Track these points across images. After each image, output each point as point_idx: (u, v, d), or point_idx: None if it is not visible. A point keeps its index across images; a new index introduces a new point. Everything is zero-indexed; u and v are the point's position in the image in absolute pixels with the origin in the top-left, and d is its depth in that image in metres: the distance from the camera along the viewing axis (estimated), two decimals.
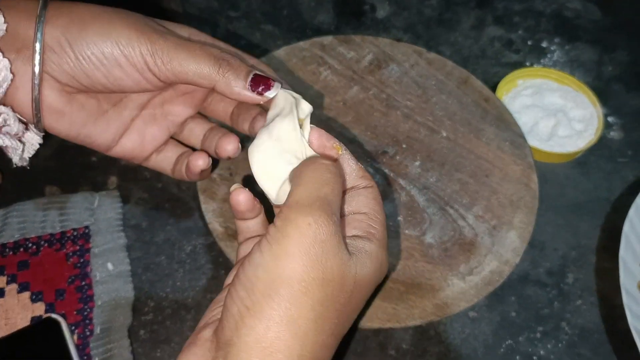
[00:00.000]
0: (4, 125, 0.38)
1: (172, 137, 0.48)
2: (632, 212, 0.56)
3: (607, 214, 0.61)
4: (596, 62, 0.74)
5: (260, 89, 0.37)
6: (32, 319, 0.50)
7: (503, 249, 0.54)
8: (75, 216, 0.56)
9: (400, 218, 0.55)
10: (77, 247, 0.54)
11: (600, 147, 0.66)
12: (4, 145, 0.39)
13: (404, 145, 0.59)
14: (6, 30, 0.36)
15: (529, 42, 0.75)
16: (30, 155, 0.42)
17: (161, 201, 0.58)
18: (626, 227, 0.55)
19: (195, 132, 0.47)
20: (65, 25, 0.36)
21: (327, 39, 0.67)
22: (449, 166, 0.58)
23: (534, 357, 0.52)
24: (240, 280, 0.31)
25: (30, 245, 0.53)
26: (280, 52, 0.65)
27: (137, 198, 0.58)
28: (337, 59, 0.66)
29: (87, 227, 0.55)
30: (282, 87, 0.39)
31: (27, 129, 0.40)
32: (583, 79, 0.71)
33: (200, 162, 0.43)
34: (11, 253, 0.53)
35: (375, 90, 0.63)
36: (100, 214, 0.56)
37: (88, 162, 0.60)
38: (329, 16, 0.76)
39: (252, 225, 0.41)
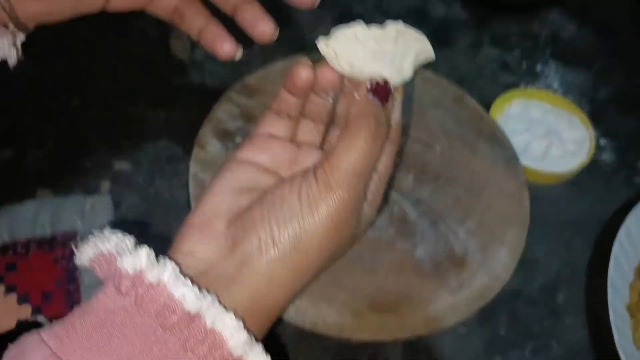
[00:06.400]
0: None
1: None
2: (621, 233, 0.56)
3: (600, 233, 0.61)
4: (591, 85, 0.74)
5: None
6: (18, 321, 0.49)
7: (494, 265, 0.54)
8: (66, 219, 0.55)
9: (392, 231, 0.55)
10: (67, 251, 0.53)
11: (594, 168, 0.66)
12: None
13: (397, 159, 0.60)
14: None
15: (524, 64, 0.75)
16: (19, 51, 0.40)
17: (154, 207, 0.58)
18: (615, 248, 0.55)
19: None
20: None
21: None
22: (442, 180, 0.59)
23: None
24: (273, 208, 0.34)
25: (19, 247, 0.53)
26: (278, 65, 0.66)
27: (130, 203, 0.58)
28: None
29: (77, 231, 0.55)
30: None
31: (15, 36, 0.40)
32: (577, 101, 0.71)
33: (228, 46, 0.41)
34: (0, 254, 0.52)
35: None
36: (91, 218, 0.56)
37: (81, 166, 0.60)
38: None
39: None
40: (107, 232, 0.34)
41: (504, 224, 0.56)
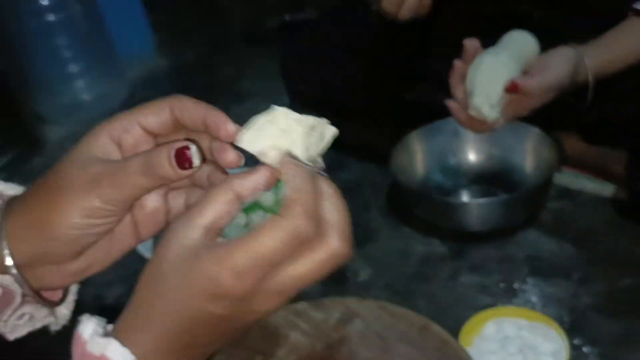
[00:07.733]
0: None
1: None
2: None
3: None
4: (571, 295, 0.75)
5: (186, 165, 0.34)
6: None
7: None
8: None
9: None
10: None
11: None
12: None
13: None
14: None
15: (502, 285, 0.78)
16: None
17: None
18: None
19: None
20: (30, 246, 0.36)
21: (302, 305, 0.74)
22: None
23: None
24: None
25: None
26: None
27: None
28: (307, 322, 0.72)
29: None
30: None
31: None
32: (556, 313, 0.71)
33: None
34: None
35: (337, 346, 0.67)
36: None
37: None
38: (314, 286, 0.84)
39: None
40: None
41: None
